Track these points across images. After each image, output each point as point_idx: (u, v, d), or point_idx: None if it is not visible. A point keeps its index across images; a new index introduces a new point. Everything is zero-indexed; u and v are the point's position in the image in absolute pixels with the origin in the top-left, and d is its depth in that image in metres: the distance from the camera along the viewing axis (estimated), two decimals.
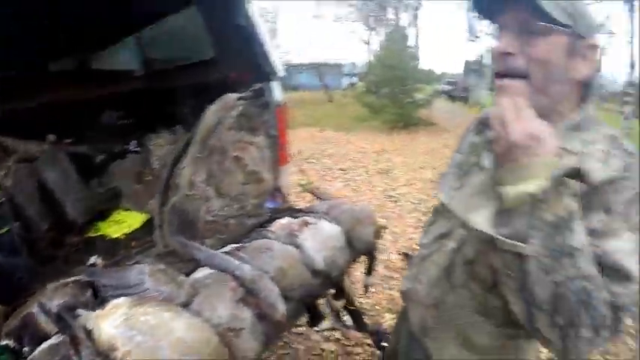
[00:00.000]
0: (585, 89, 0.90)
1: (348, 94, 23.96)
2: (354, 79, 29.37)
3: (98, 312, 0.94)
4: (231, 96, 1.64)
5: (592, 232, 0.75)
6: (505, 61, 0.85)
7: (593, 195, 0.76)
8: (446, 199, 1.05)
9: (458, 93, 34.03)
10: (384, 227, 1.90)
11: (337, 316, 1.73)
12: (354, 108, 16.14)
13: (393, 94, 12.52)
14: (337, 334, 2.70)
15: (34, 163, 1.98)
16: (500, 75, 0.86)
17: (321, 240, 1.48)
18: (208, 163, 1.55)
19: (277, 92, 2.29)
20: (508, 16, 0.85)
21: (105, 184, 2.26)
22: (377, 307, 3.05)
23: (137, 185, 2.25)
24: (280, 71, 2.27)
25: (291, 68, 34.30)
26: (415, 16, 15.60)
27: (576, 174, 0.70)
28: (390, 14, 26.41)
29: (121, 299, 0.95)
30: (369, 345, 2.48)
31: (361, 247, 1.67)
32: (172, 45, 3.09)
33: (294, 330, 2.65)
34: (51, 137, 2.17)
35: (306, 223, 1.53)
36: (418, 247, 1.21)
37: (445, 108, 26.04)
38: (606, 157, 0.82)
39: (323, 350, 2.56)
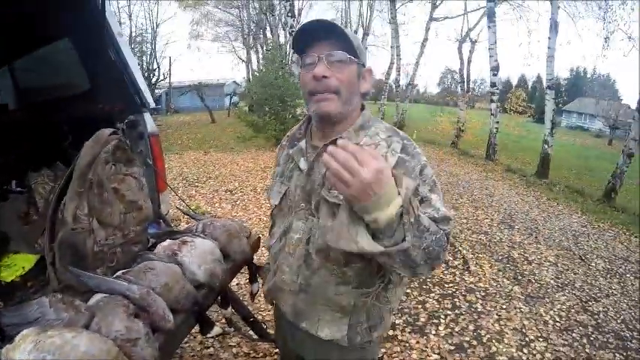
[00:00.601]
0: (363, 100, 1.30)
1: (231, 113, 23.98)
2: (236, 99, 29.33)
3: (8, 346, 1.06)
4: (105, 131, 1.73)
5: None
6: (323, 82, 1.17)
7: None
8: (276, 202, 1.39)
9: None
10: (260, 238, 2.14)
11: (229, 321, 1.95)
12: (237, 128, 16.23)
13: (274, 111, 12.78)
14: (245, 349, 2.89)
15: None
16: (316, 92, 1.19)
17: (199, 255, 1.69)
18: (89, 197, 1.63)
19: (150, 122, 2.46)
20: (323, 51, 1.17)
21: None
22: None
23: (25, 226, 2.23)
24: (152, 103, 2.44)
25: (172, 90, 33.33)
26: (292, 33, 16.03)
27: (416, 190, 1.03)
28: (268, 33, 26.91)
29: (28, 330, 1.08)
30: (277, 353, 2.67)
31: (238, 257, 1.90)
32: (47, 77, 3.07)
33: (204, 352, 2.79)
34: None
35: (185, 242, 1.73)
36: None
37: None
38: (389, 142, 1.22)
39: None
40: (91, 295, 1.37)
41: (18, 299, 1.64)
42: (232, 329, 2.03)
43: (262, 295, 1.58)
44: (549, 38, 12.09)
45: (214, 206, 6.71)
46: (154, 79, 25.06)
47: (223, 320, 1.98)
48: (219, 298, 1.82)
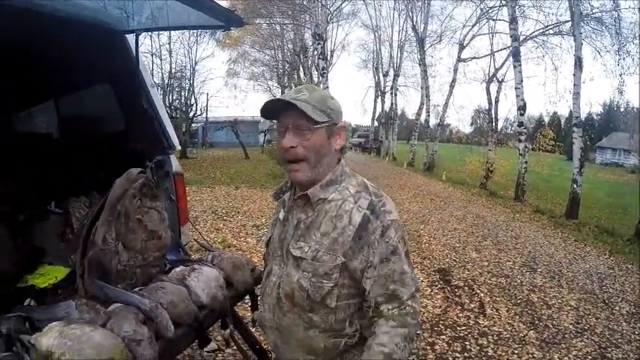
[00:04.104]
0: (339, 154, 1.34)
1: (264, 150, 24.49)
2: (270, 136, 30.15)
3: (37, 334, 1.38)
4: (134, 170, 2.08)
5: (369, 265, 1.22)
6: (290, 152, 1.25)
7: (362, 235, 1.21)
8: (265, 246, 1.53)
9: (370, 145, 35.88)
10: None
11: (227, 341, 2.20)
12: (269, 164, 16.51)
13: None
14: None
15: None
16: (288, 161, 1.27)
17: (204, 281, 1.99)
18: (117, 225, 1.95)
19: (175, 163, 2.78)
20: (288, 122, 1.25)
21: (30, 242, 2.53)
22: None
23: (61, 243, 2.56)
24: (177, 145, 2.76)
25: (209, 125, 34.42)
26: (323, 75, 16.59)
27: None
28: (301, 73, 27.84)
29: (55, 323, 1.40)
30: None
31: (240, 287, 2.20)
32: (89, 114, 3.40)
33: None
34: None
35: (194, 269, 2.04)
36: None
37: (357, 159, 27.11)
38: (356, 198, 1.26)
39: None
40: (111, 304, 1.67)
41: (49, 302, 1.91)
42: (228, 348, 2.25)
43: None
44: (574, 75, 11.99)
45: (240, 240, 6.89)
46: (191, 114, 26.00)
47: (219, 338, 2.22)
48: (220, 319, 2.10)
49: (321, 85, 16.40)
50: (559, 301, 5.18)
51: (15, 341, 1.37)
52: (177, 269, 2.09)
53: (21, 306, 1.79)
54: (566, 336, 4.23)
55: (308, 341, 1.31)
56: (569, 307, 4.98)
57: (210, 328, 2.16)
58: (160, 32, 22.00)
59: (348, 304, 1.28)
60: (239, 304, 2.50)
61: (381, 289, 1.22)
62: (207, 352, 2.05)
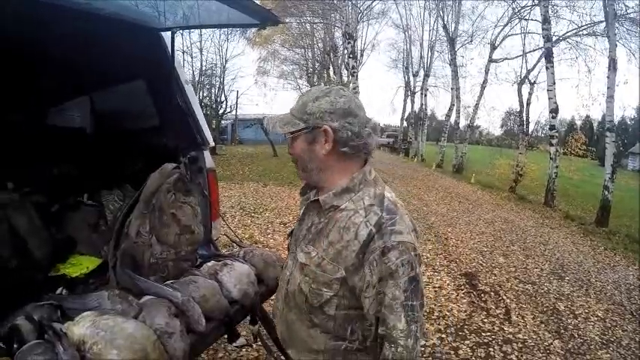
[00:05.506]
0: (360, 161, 1.30)
1: None
2: None
3: (69, 322, 1.42)
4: (169, 165, 2.11)
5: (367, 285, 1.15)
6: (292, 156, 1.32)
7: (364, 252, 1.15)
8: (287, 238, 1.52)
9: (398, 145, 35.70)
10: None
11: (255, 337, 2.20)
12: None
13: None
14: None
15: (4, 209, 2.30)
16: None
17: (236, 277, 2.01)
18: (151, 218, 1.99)
19: (208, 159, 2.81)
20: None
21: (62, 232, 2.58)
22: None
23: (93, 234, 2.60)
24: (211, 142, 2.80)
25: (238, 122, 34.85)
26: (353, 74, 16.56)
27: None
28: (331, 72, 27.91)
29: (87, 312, 1.45)
30: None
31: (271, 283, 2.20)
32: (123, 110, 3.46)
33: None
34: (9, 185, 2.47)
35: (226, 264, 2.06)
36: None
37: (386, 159, 26.99)
38: (367, 213, 1.19)
39: None
40: (143, 296, 1.70)
41: (80, 292, 1.98)
42: (255, 344, 2.26)
43: None
44: (608, 77, 11.65)
45: (267, 237, 6.93)
46: (221, 111, 26.36)
47: (244, 333, 2.24)
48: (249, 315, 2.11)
49: (351, 85, 16.33)
50: (586, 310, 5.09)
51: (47, 329, 1.40)
52: (209, 264, 2.13)
53: (53, 294, 1.85)
54: (591, 347, 4.14)
55: (309, 340, 1.30)
56: (595, 318, 4.89)
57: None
58: (192, 30, 22.36)
59: (347, 313, 1.24)
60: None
61: (376, 310, 1.16)
62: (237, 347, 2.08)
